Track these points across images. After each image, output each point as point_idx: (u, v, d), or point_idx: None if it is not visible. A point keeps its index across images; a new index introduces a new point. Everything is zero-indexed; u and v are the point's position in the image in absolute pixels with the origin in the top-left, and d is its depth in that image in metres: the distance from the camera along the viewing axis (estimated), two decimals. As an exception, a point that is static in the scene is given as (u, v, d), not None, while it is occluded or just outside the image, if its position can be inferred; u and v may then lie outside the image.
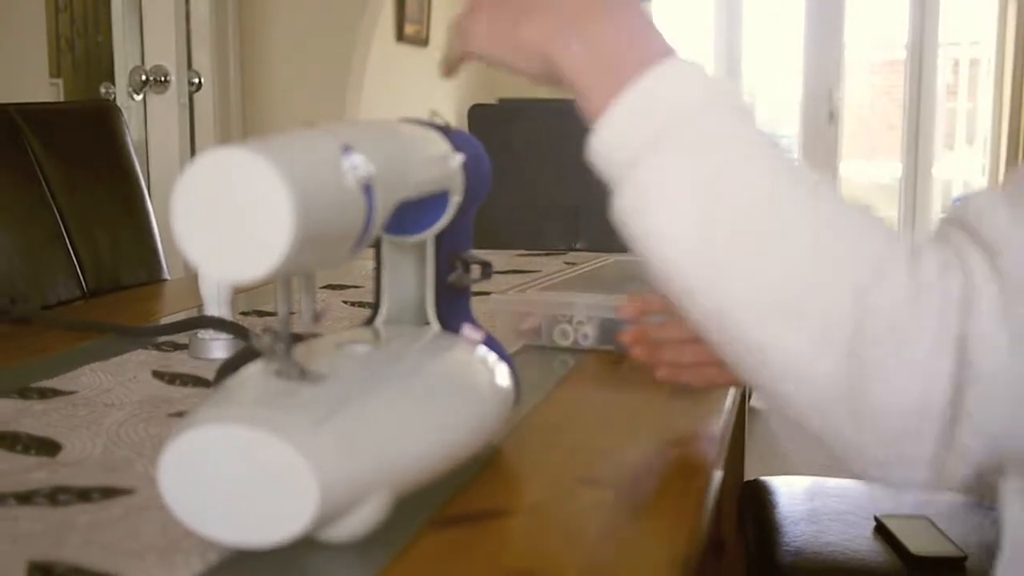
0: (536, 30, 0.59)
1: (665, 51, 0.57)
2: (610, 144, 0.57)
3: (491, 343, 0.80)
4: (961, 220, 0.52)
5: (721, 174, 0.53)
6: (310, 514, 0.55)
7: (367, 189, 0.58)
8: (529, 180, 2.19)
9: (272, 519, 0.56)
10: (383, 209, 0.61)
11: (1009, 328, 0.48)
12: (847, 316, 0.50)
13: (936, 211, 5.17)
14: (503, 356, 0.79)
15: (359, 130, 0.63)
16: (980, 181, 5.32)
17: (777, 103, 5.04)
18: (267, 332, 0.62)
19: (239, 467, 0.56)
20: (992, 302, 0.49)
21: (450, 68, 0.69)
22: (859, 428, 0.51)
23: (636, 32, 0.58)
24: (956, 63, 5.19)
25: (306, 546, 0.60)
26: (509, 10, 0.61)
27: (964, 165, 5.45)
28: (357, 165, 0.58)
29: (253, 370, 0.64)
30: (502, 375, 0.76)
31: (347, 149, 0.58)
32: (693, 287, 0.54)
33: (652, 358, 0.90)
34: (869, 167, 5.67)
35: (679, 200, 0.53)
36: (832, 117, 4.68)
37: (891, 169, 5.13)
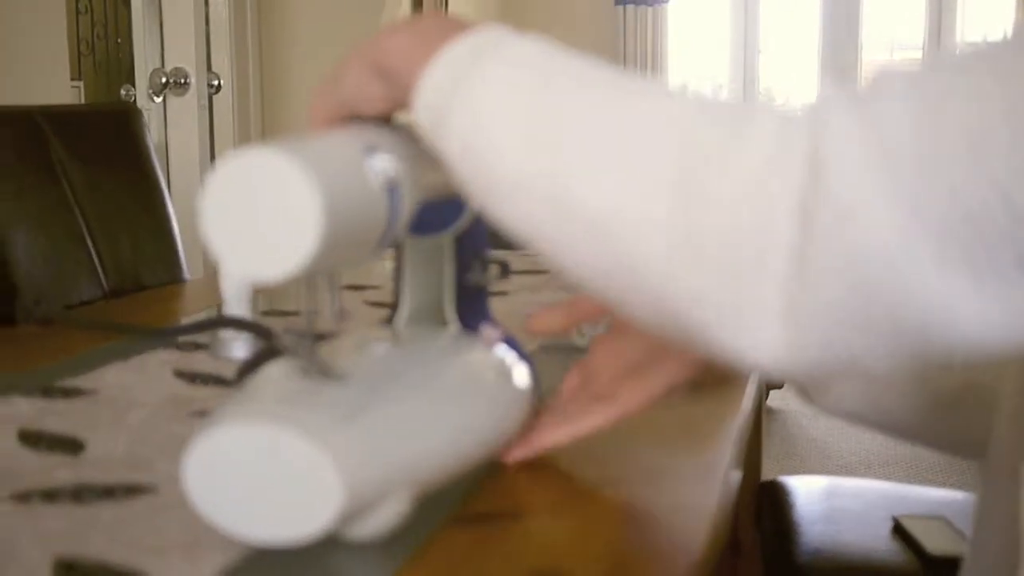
0: (367, 50, 0.62)
1: (465, 26, 0.58)
2: (425, 110, 0.57)
3: (510, 342, 0.80)
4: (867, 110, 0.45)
5: (535, 74, 0.53)
6: (334, 512, 0.56)
7: (391, 190, 0.59)
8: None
9: (296, 517, 0.57)
10: (406, 209, 0.62)
11: (866, 152, 0.43)
12: (673, 149, 0.47)
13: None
14: (522, 355, 0.80)
15: (382, 131, 0.64)
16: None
17: (795, 103, 5.02)
18: (290, 331, 0.63)
19: (263, 466, 0.57)
20: (851, 122, 0.44)
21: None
22: (700, 270, 0.46)
23: (444, 22, 0.60)
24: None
25: (327, 544, 0.61)
26: (356, 51, 0.63)
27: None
28: (381, 166, 0.59)
29: (275, 369, 0.64)
30: (521, 375, 0.77)
31: (370, 150, 0.59)
32: (529, 192, 0.52)
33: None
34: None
35: (496, 112, 0.53)
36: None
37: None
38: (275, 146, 0.53)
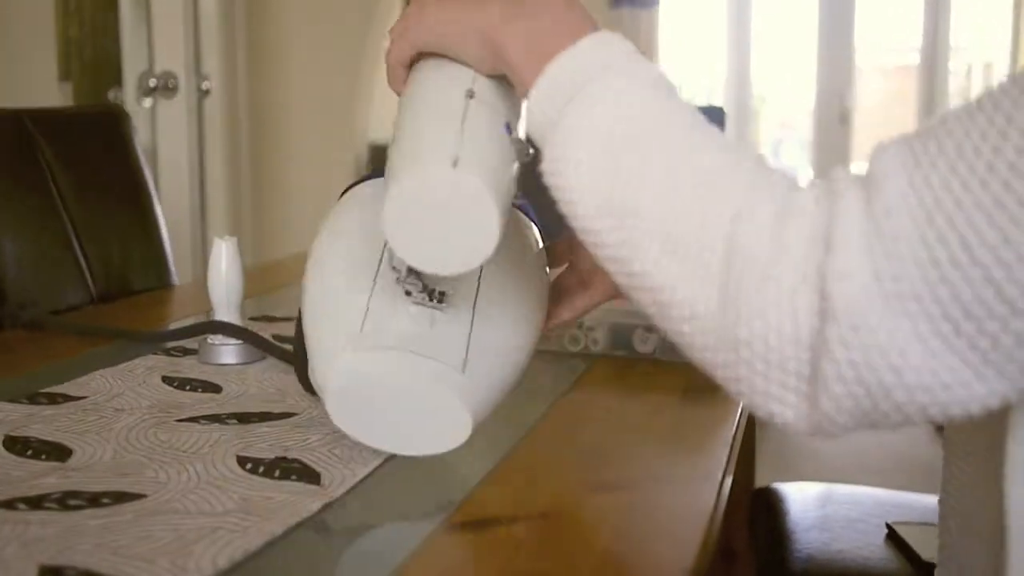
0: (485, 18, 0.65)
1: (587, 29, 0.62)
2: (535, 115, 0.62)
3: (524, 208, 0.82)
4: (866, 176, 0.52)
5: (621, 126, 0.57)
6: (463, 438, 0.69)
7: (519, 149, 0.66)
8: (542, 185, 2.18)
9: (427, 440, 0.69)
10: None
11: (872, 264, 0.48)
12: (718, 249, 0.53)
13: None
14: (533, 221, 0.82)
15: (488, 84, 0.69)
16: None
17: (789, 106, 5.05)
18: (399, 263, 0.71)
19: (405, 399, 0.68)
20: (857, 237, 0.49)
21: (397, 79, 0.75)
22: (737, 360, 0.53)
23: (563, 18, 0.63)
24: (969, 68, 5.18)
25: (324, 549, 0.60)
26: (415, 5, 0.69)
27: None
28: (515, 136, 0.66)
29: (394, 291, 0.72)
30: (538, 241, 0.81)
31: (507, 124, 0.66)
32: (601, 234, 0.58)
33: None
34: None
35: (585, 153, 0.58)
36: (844, 121, 4.68)
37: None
38: (454, 163, 0.61)
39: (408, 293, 0.71)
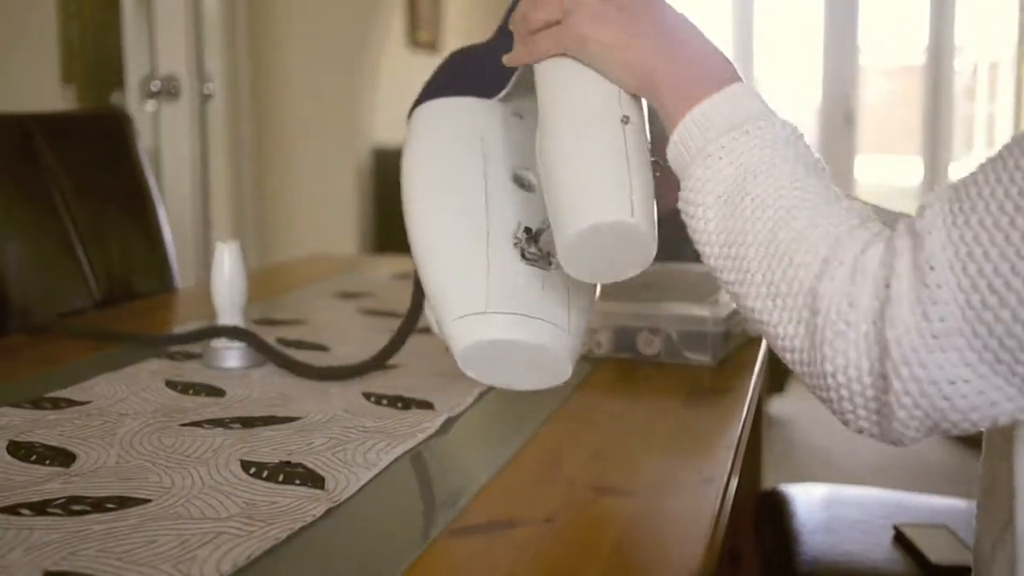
0: (644, 50, 0.73)
1: (727, 72, 0.72)
2: (676, 150, 0.71)
3: None
4: (911, 224, 0.61)
5: (740, 180, 0.67)
6: (562, 381, 0.79)
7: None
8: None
9: (533, 380, 0.79)
10: None
11: (921, 309, 0.57)
12: (807, 299, 0.63)
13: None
14: None
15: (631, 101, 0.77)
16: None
17: (794, 106, 5.04)
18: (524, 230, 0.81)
19: (520, 357, 0.78)
20: (908, 289, 0.58)
21: (527, 56, 0.80)
22: (826, 386, 0.63)
23: (711, 66, 0.72)
24: (975, 67, 5.18)
25: (326, 555, 0.60)
26: (615, 24, 0.74)
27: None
28: (655, 163, 0.75)
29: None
30: None
31: (626, 119, 0.74)
32: (722, 272, 0.68)
33: None
34: (887, 170, 5.66)
35: (711, 199, 0.68)
36: (849, 121, 4.67)
37: (909, 172, 5.12)
38: (633, 215, 0.70)
39: (523, 255, 0.81)
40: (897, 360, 0.58)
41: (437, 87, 0.93)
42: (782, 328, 0.64)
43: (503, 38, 0.90)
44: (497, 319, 0.77)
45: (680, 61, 0.72)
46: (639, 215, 0.71)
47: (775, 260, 0.64)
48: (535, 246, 0.81)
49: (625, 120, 0.75)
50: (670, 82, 0.72)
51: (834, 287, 0.61)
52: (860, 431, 0.64)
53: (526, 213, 0.84)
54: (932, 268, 0.57)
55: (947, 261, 0.57)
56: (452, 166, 0.86)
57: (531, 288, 0.80)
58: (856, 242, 0.62)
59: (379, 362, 1.01)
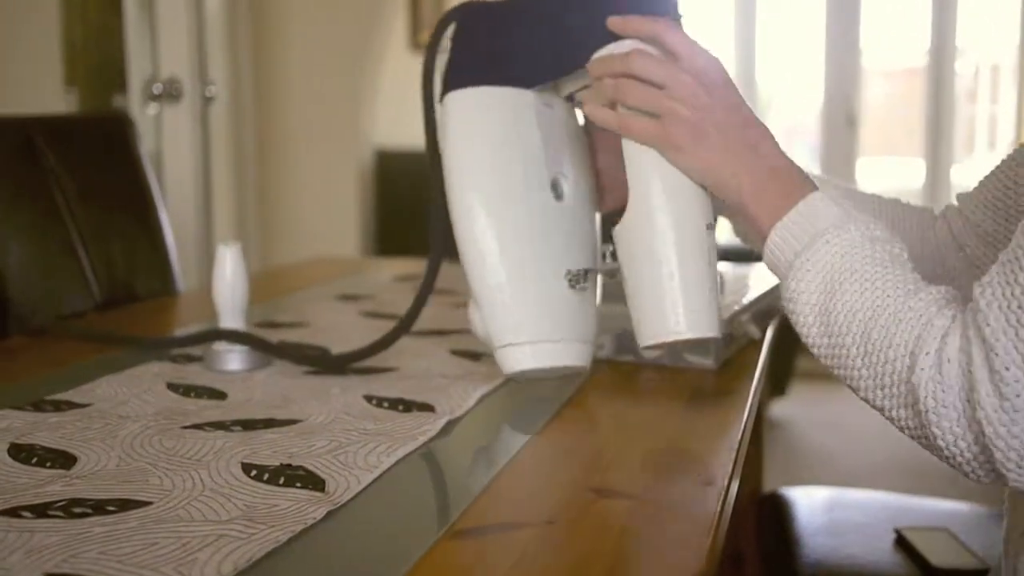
0: (734, 170, 0.81)
1: (804, 184, 0.81)
2: (771, 257, 0.81)
3: None
4: (975, 308, 0.68)
5: (834, 276, 0.76)
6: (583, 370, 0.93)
7: None
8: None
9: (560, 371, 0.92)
10: None
11: (996, 390, 0.65)
12: (903, 384, 0.72)
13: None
14: None
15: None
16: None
17: (796, 109, 5.04)
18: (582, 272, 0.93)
19: (560, 371, 0.92)
20: (984, 376, 0.66)
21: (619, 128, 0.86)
22: (933, 446, 0.71)
23: (791, 180, 0.81)
24: (976, 70, 5.17)
25: (323, 555, 0.60)
26: (712, 141, 0.82)
27: (985, 170, 5.42)
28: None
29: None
30: None
31: (711, 226, 0.88)
32: (824, 358, 0.78)
33: None
34: (889, 172, 5.65)
35: (809, 295, 0.77)
36: (851, 123, 4.67)
37: (911, 174, 5.11)
38: (714, 331, 0.85)
39: (571, 285, 0.92)
40: (991, 436, 0.66)
41: (469, 70, 0.93)
42: (894, 412, 0.73)
43: (524, 14, 0.92)
44: (541, 348, 0.90)
45: (765, 178, 0.81)
46: (718, 326, 0.85)
47: (872, 358, 0.73)
48: (584, 279, 0.93)
49: (710, 227, 0.86)
50: (757, 198, 0.81)
51: (925, 377, 0.69)
52: (969, 479, 0.72)
53: (565, 230, 0.93)
54: (996, 354, 0.65)
55: (1010, 344, 0.65)
56: (500, 176, 0.91)
57: (570, 311, 0.92)
58: (935, 332, 0.70)
59: (385, 346, 1.02)
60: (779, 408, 3.58)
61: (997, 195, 0.97)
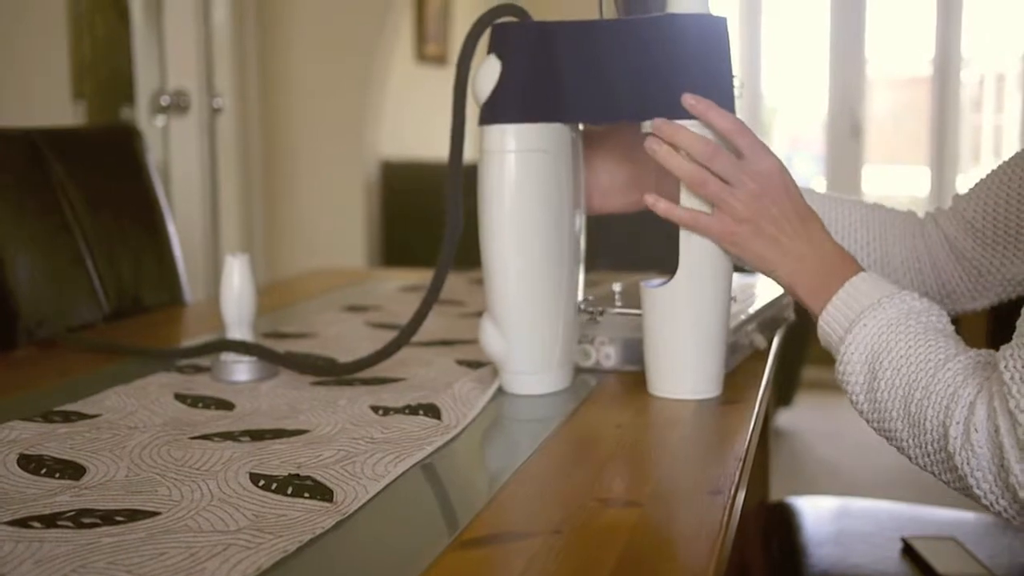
0: (791, 267, 0.91)
1: (848, 267, 0.90)
2: (824, 333, 0.89)
3: None
4: (999, 379, 0.74)
5: (878, 352, 0.84)
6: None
7: None
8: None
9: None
10: None
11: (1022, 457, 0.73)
12: (940, 448, 0.80)
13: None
14: None
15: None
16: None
17: (801, 118, 5.04)
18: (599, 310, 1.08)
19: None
20: (1011, 443, 0.73)
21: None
22: (984, 506, 0.78)
23: (833, 264, 0.90)
24: (982, 79, 5.17)
25: (331, 565, 0.60)
26: (773, 242, 0.91)
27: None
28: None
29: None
30: None
31: (733, 298, 1.07)
32: (872, 423, 0.87)
33: None
34: (894, 181, 5.64)
35: (858, 367, 0.86)
36: (855, 133, 4.67)
37: (916, 183, 5.10)
38: (716, 388, 1.00)
39: (582, 310, 1.07)
40: (1023, 498, 0.73)
41: (516, 106, 0.96)
42: (942, 476, 0.81)
43: (571, 53, 0.96)
44: (547, 376, 1.00)
45: (814, 267, 0.90)
46: (722, 383, 1.00)
47: (913, 428, 0.81)
48: (598, 311, 1.07)
49: (733, 299, 1.01)
50: (807, 287, 0.90)
51: (957, 446, 0.77)
52: (1002, 519, 0.79)
53: (579, 260, 1.04)
54: (1021, 425, 0.71)
55: None
56: (535, 221, 0.97)
57: (575, 337, 1.04)
58: (962, 403, 0.77)
59: (390, 354, 1.03)
60: (785, 418, 3.58)
61: (996, 196, 1.02)
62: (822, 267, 0.90)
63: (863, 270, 0.89)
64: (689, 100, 0.91)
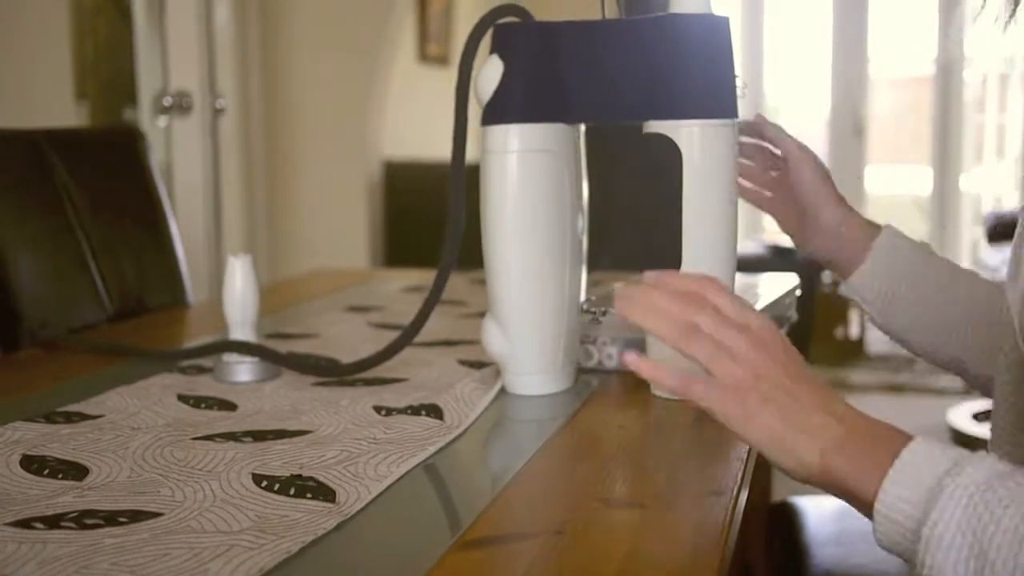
0: (811, 446, 0.67)
1: (894, 433, 0.66)
2: (888, 525, 0.64)
3: None
4: None
5: (973, 535, 0.61)
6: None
7: None
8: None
9: None
10: None
11: None
12: None
13: (966, 224, 5.14)
14: None
15: None
16: (1012, 195, 5.29)
17: (804, 118, 5.04)
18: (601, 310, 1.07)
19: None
20: None
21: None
22: None
23: (875, 433, 0.67)
24: (984, 78, 5.17)
25: (334, 566, 0.60)
26: (782, 410, 0.68)
27: (994, 178, 5.43)
28: None
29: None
30: None
31: None
32: None
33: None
34: (897, 180, 5.65)
35: (955, 562, 0.61)
36: (858, 132, 4.67)
37: (919, 182, 5.11)
38: None
39: (585, 310, 1.06)
40: None
41: (519, 106, 0.96)
42: None
43: (575, 55, 0.96)
44: (549, 377, 1.00)
45: (849, 448, 0.66)
46: None
47: None
48: (600, 312, 1.06)
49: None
50: (845, 472, 0.66)
51: None
52: None
53: (581, 261, 1.03)
54: None
55: None
56: (537, 222, 0.97)
57: (577, 337, 1.04)
58: None
59: (392, 354, 1.04)
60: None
61: None
62: (860, 445, 0.66)
63: (910, 435, 0.66)
64: (650, 278, 0.74)
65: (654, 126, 0.95)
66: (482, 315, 1.03)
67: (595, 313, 1.07)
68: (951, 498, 0.61)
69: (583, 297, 1.06)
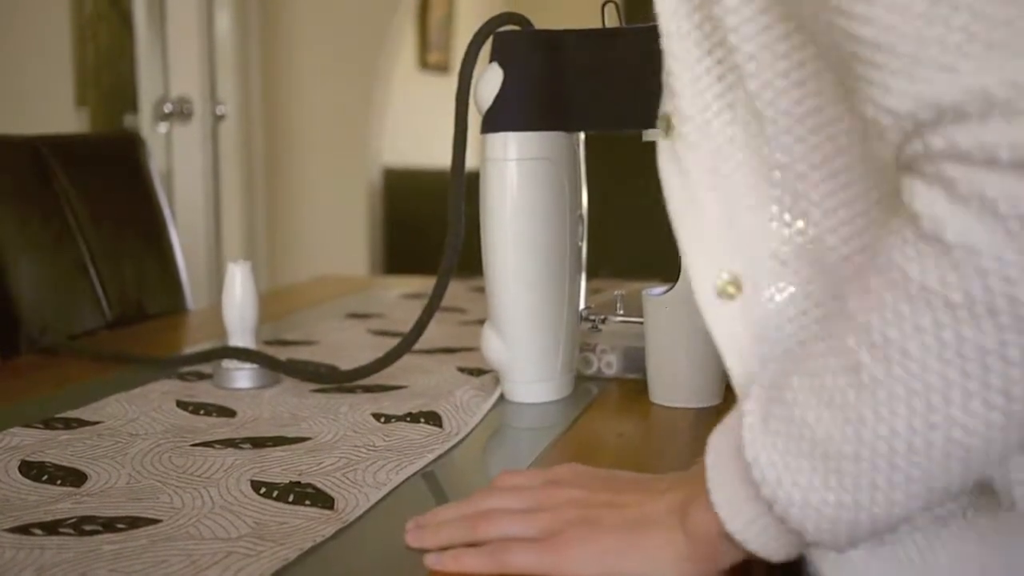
0: (609, 541, 0.62)
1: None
2: (766, 539, 0.62)
3: None
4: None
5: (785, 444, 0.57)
6: None
7: None
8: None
9: None
10: None
11: None
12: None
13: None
14: None
15: None
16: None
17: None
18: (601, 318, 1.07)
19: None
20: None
21: None
22: None
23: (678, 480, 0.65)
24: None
25: (332, 573, 0.60)
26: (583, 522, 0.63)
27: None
28: None
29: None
30: None
31: None
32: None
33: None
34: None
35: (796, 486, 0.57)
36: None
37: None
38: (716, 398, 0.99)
39: (585, 318, 1.06)
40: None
41: (519, 113, 0.96)
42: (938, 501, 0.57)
43: (574, 63, 0.96)
44: (549, 385, 1.00)
45: (689, 512, 0.62)
46: (722, 393, 0.97)
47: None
48: (600, 320, 1.06)
49: None
50: (701, 530, 0.62)
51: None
52: None
53: (580, 268, 1.03)
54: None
55: None
56: (537, 229, 0.97)
57: (577, 344, 1.04)
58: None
59: (391, 360, 1.04)
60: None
61: None
62: (686, 490, 0.63)
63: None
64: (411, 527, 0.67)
65: (654, 134, 0.95)
66: (481, 323, 1.03)
67: (594, 321, 1.07)
68: (755, 463, 0.57)
69: (583, 305, 1.06)
